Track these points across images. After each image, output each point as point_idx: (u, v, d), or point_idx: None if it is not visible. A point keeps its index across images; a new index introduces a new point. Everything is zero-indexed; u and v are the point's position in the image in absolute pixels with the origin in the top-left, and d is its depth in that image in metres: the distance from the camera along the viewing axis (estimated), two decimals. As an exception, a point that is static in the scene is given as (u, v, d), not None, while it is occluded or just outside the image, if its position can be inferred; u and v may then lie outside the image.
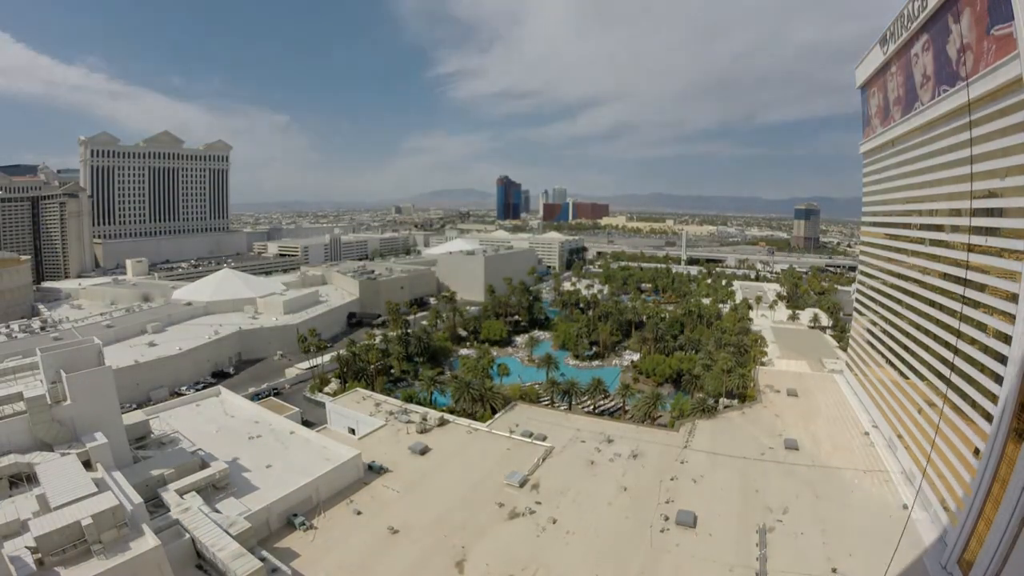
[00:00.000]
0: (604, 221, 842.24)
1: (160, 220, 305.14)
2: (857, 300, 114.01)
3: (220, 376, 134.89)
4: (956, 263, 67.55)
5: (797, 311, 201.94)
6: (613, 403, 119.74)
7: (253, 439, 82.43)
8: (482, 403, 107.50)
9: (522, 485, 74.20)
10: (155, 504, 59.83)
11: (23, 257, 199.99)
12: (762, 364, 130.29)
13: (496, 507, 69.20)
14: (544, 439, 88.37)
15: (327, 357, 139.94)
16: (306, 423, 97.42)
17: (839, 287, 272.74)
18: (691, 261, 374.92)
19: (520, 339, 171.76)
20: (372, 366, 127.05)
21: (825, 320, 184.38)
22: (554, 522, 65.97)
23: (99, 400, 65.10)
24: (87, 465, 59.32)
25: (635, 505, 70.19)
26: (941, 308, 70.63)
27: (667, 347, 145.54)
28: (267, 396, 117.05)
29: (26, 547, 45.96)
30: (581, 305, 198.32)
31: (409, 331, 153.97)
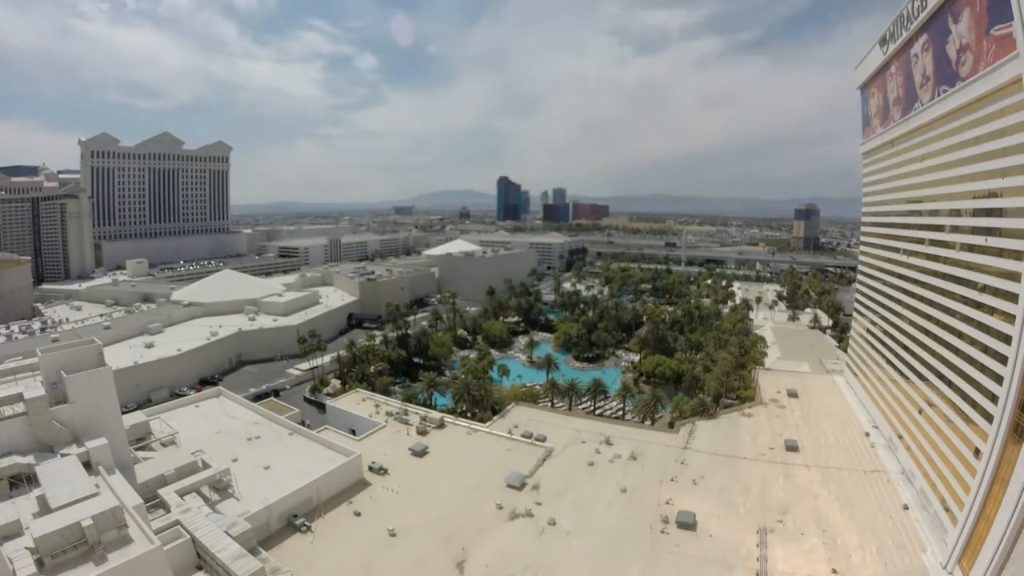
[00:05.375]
0: (604, 222, 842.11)
1: (160, 221, 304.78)
2: (857, 300, 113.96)
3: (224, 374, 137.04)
4: (956, 263, 67.55)
5: (797, 311, 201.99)
6: (613, 404, 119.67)
7: (253, 440, 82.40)
8: (482, 404, 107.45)
9: (522, 486, 74.19)
10: (155, 505, 59.74)
11: (23, 258, 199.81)
12: (762, 365, 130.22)
13: (496, 508, 69.19)
14: (544, 440, 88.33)
15: (327, 358, 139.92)
16: (304, 423, 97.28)
17: (839, 287, 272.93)
18: (691, 262, 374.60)
19: (520, 340, 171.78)
20: (372, 367, 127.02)
21: (825, 320, 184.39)
22: (554, 523, 65.93)
23: (99, 401, 64.93)
24: (87, 466, 59.22)
25: (635, 506, 70.17)
26: (941, 308, 70.57)
27: (667, 348, 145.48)
28: (267, 397, 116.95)
29: (26, 548, 45.87)
30: (581, 306, 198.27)
31: (409, 332, 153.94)
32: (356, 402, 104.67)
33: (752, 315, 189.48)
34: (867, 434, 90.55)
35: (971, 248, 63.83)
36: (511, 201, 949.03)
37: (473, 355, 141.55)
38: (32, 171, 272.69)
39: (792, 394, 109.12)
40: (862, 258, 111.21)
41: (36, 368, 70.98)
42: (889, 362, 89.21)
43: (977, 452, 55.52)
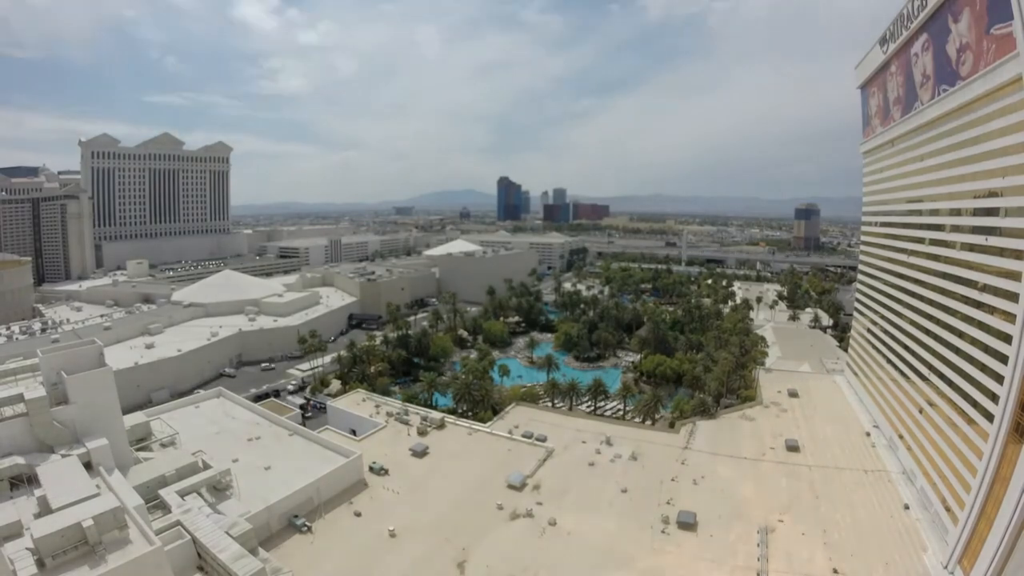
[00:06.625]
0: (605, 222, 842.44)
1: (160, 221, 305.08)
2: (857, 300, 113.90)
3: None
4: (956, 262, 67.50)
5: (798, 311, 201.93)
6: (614, 404, 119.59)
7: (253, 440, 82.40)
8: (483, 404, 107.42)
9: (523, 486, 74.16)
10: (156, 505, 59.74)
11: (24, 259, 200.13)
12: (763, 365, 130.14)
13: (497, 508, 69.17)
14: (544, 440, 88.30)
15: (327, 358, 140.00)
16: (306, 423, 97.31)
17: (839, 287, 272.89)
18: (691, 262, 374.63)
19: (520, 340, 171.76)
20: (373, 367, 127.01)
21: (826, 320, 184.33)
22: (555, 523, 65.90)
23: (100, 401, 65.04)
24: (88, 467, 59.31)
25: (636, 506, 70.15)
26: (942, 308, 70.53)
27: (668, 348, 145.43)
28: (267, 397, 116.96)
29: (26, 549, 45.91)
30: (582, 306, 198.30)
31: (409, 332, 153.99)
32: (356, 402, 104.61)
33: (752, 315, 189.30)
34: (868, 434, 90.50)
35: (971, 247, 63.76)
36: (511, 201, 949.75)
37: (474, 355, 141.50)
38: (32, 172, 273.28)
39: (793, 394, 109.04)
40: (862, 258, 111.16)
41: (37, 369, 71.14)
42: (890, 362, 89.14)
43: (978, 452, 55.46)
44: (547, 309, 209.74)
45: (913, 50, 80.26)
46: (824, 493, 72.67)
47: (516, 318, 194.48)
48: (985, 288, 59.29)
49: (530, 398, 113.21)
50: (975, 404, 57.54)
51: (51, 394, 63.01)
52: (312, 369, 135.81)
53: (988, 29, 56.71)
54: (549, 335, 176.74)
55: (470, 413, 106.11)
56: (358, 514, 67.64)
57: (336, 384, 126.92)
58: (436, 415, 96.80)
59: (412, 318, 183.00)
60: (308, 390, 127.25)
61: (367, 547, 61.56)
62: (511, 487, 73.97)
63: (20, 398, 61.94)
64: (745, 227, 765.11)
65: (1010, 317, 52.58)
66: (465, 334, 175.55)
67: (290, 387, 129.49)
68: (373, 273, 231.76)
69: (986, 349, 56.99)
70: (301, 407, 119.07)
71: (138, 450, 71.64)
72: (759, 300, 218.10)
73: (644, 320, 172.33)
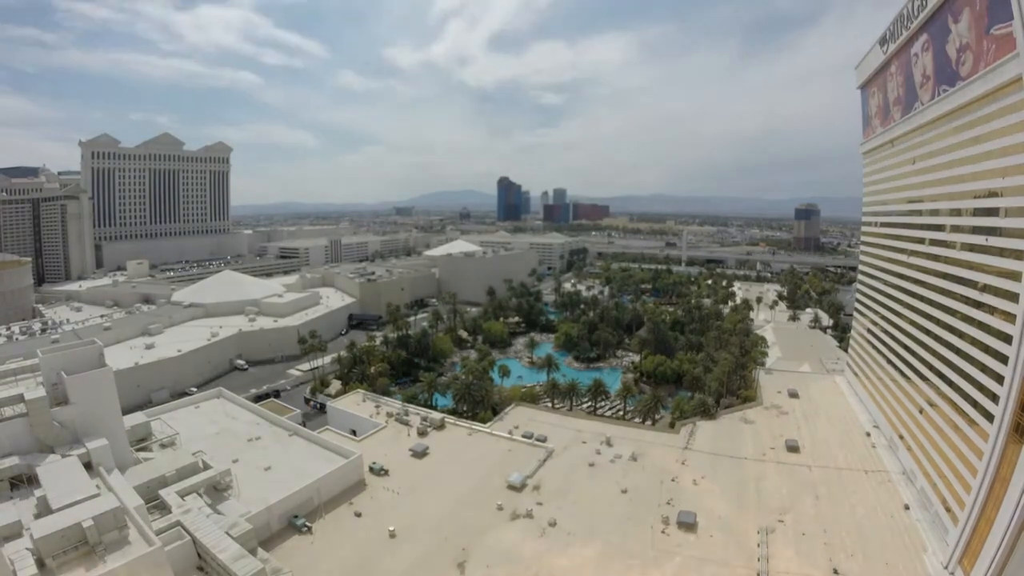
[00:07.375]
0: (605, 222, 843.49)
1: (160, 222, 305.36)
2: (857, 300, 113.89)
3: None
4: (957, 263, 67.51)
5: (798, 311, 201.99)
6: (614, 404, 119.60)
7: (253, 441, 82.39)
8: (483, 405, 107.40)
9: (523, 487, 74.12)
10: (156, 506, 59.78)
11: (24, 259, 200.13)
12: (763, 365, 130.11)
13: (497, 509, 69.13)
14: (545, 440, 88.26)
15: (327, 359, 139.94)
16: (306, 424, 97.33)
17: (840, 287, 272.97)
18: (691, 262, 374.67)
19: (520, 340, 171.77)
20: (373, 368, 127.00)
21: (826, 320, 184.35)
22: (555, 524, 65.86)
23: (100, 402, 65.09)
24: (88, 467, 59.35)
25: (636, 506, 70.11)
26: (942, 308, 70.53)
27: (668, 348, 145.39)
28: (268, 398, 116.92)
29: (26, 549, 45.93)
30: (582, 306, 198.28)
31: (409, 333, 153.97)
32: (356, 403, 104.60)
33: (753, 315, 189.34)
34: (868, 434, 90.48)
35: (972, 247, 63.78)
36: (511, 201, 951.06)
37: (473, 356, 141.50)
38: (33, 172, 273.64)
39: (793, 394, 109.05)
40: (863, 258, 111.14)
41: (37, 369, 71.08)
42: (890, 362, 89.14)
43: (978, 452, 55.45)
44: (547, 309, 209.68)
45: (913, 50, 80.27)
46: (824, 493, 72.65)
47: (516, 318, 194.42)
48: (985, 288, 59.29)
49: (530, 398, 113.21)
50: (975, 404, 57.54)
51: (51, 394, 63.04)
52: (312, 369, 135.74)
53: (988, 29, 56.72)
54: (549, 335, 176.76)
55: (470, 413, 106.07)
56: (358, 514, 67.65)
57: (336, 384, 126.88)
58: (436, 415, 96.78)
59: (412, 318, 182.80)
60: (308, 390, 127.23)
61: (367, 547, 61.56)
62: (511, 487, 73.95)
63: (20, 398, 61.96)
64: (745, 227, 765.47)
65: (1010, 317, 52.58)
66: (465, 334, 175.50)
67: (289, 388, 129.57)
68: (373, 273, 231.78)
69: (986, 349, 56.98)
70: (306, 399, 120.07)
71: (138, 450, 71.63)
72: (759, 300, 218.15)
73: (644, 320, 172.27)
